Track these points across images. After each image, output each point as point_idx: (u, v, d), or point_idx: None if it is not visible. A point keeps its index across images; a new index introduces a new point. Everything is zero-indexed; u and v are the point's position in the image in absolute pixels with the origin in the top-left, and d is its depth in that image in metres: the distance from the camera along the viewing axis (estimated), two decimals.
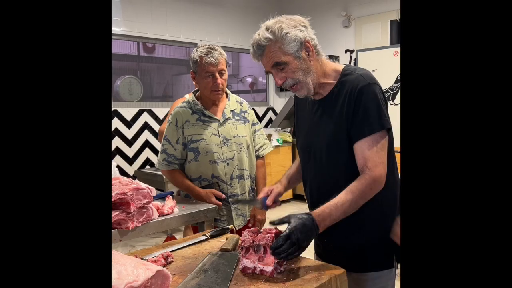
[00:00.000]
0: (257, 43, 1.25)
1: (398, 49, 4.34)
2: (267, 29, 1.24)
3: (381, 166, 1.23)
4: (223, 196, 1.92)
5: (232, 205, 1.95)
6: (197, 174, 1.94)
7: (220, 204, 1.91)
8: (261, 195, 1.47)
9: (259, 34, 1.25)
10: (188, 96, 2.58)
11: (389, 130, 1.28)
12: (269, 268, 1.11)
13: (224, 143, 1.92)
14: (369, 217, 1.29)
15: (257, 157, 2.10)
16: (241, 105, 2.05)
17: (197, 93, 2.00)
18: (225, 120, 1.95)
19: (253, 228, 1.23)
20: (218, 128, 1.93)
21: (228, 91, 2.04)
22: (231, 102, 2.01)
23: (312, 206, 1.36)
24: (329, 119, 1.31)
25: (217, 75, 1.86)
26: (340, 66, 1.35)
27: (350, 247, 1.32)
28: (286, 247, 1.10)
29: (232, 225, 1.59)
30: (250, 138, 2.03)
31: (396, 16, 4.79)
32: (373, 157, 1.22)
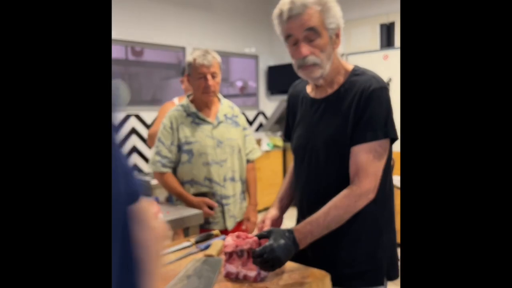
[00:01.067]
0: (302, 1, 1.12)
1: (387, 52, 4.36)
2: None
3: (372, 177, 1.15)
4: (216, 205, 1.95)
5: (224, 206, 1.99)
6: (189, 176, 1.97)
7: (212, 213, 1.94)
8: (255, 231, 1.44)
9: None
10: (177, 100, 2.63)
11: (393, 140, 1.19)
12: (253, 273, 1.10)
13: (218, 145, 1.97)
14: (361, 230, 1.21)
15: (247, 161, 2.14)
16: (232, 109, 2.11)
17: (190, 97, 2.06)
18: (219, 123, 2.01)
19: (236, 232, 1.21)
20: (212, 131, 1.98)
21: (221, 96, 2.11)
22: (224, 106, 2.07)
23: (302, 213, 1.28)
24: (332, 119, 1.21)
25: (209, 76, 1.91)
26: (350, 65, 1.27)
27: (337, 261, 1.22)
28: (260, 261, 1.07)
29: (217, 231, 1.57)
30: (241, 141, 2.08)
31: (386, 20, 4.82)
32: (366, 167, 1.14)
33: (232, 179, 2.02)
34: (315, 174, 1.26)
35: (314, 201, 1.21)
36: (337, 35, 1.19)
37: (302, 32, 1.14)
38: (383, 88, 1.17)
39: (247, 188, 2.15)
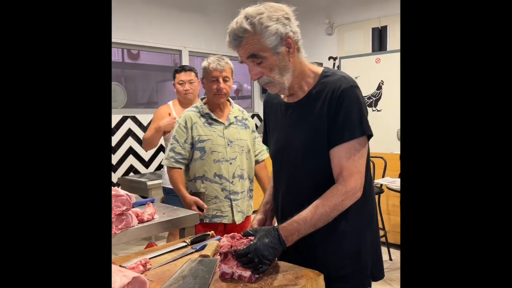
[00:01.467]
0: (234, 33, 1.16)
1: (380, 56, 4.41)
2: (246, 18, 1.14)
3: (357, 176, 1.16)
4: (205, 206, 2.07)
5: (233, 202, 2.13)
6: (201, 172, 2.11)
7: (201, 213, 2.06)
8: None
9: (237, 23, 1.15)
10: (171, 103, 2.73)
11: (369, 137, 1.20)
12: (247, 273, 1.11)
13: (228, 144, 2.12)
14: (344, 231, 1.21)
15: (257, 161, 2.32)
16: (242, 113, 2.29)
17: (204, 99, 2.23)
18: (230, 124, 2.17)
19: (231, 233, 1.23)
20: (223, 131, 2.14)
21: (231, 100, 2.27)
22: (234, 110, 2.24)
23: (284, 217, 1.25)
24: (306, 123, 1.22)
25: (221, 80, 2.08)
26: (319, 68, 1.27)
27: (321, 265, 1.20)
28: (246, 261, 1.09)
29: (212, 232, 1.59)
30: (250, 142, 2.24)
31: (378, 24, 4.87)
32: (349, 166, 1.15)
33: (241, 177, 2.16)
34: (295, 177, 1.27)
35: (296, 204, 1.22)
36: (289, 46, 1.17)
37: (246, 59, 1.18)
38: (353, 87, 1.18)
39: (261, 185, 2.32)
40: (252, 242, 1.11)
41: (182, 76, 2.80)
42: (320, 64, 5.32)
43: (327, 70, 1.25)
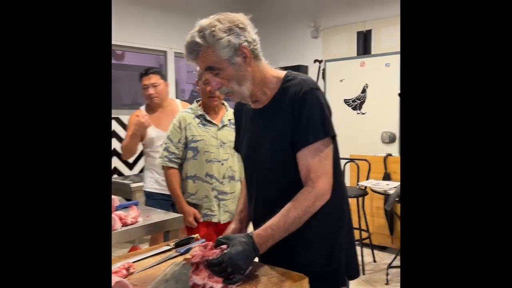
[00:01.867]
0: (189, 47, 1.17)
1: (364, 59, 4.46)
2: (199, 31, 1.16)
3: (324, 177, 1.18)
4: (201, 220, 2.18)
5: (221, 201, 2.22)
6: (193, 172, 2.19)
7: (195, 225, 2.16)
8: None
9: (191, 37, 1.17)
10: (143, 108, 2.71)
11: (333, 138, 1.22)
12: (219, 285, 1.07)
13: (221, 145, 2.20)
14: (316, 232, 1.22)
15: None
16: None
17: (199, 102, 2.30)
18: (223, 126, 2.24)
19: (205, 243, 1.21)
20: (216, 132, 2.21)
21: (226, 104, 2.33)
22: (229, 113, 2.29)
23: (257, 223, 1.25)
24: (271, 128, 1.24)
25: None
26: (282, 72, 1.28)
27: (295, 268, 1.18)
28: (218, 270, 1.06)
29: (198, 235, 1.58)
30: None
31: (363, 27, 4.93)
32: (316, 167, 1.17)
33: (232, 178, 2.23)
34: (264, 183, 1.28)
35: (266, 208, 1.23)
36: (244, 56, 1.18)
37: (204, 72, 1.21)
38: (314, 89, 1.19)
39: None
40: (226, 251, 1.08)
41: (145, 80, 2.70)
42: (306, 67, 5.27)
43: (289, 74, 1.26)
